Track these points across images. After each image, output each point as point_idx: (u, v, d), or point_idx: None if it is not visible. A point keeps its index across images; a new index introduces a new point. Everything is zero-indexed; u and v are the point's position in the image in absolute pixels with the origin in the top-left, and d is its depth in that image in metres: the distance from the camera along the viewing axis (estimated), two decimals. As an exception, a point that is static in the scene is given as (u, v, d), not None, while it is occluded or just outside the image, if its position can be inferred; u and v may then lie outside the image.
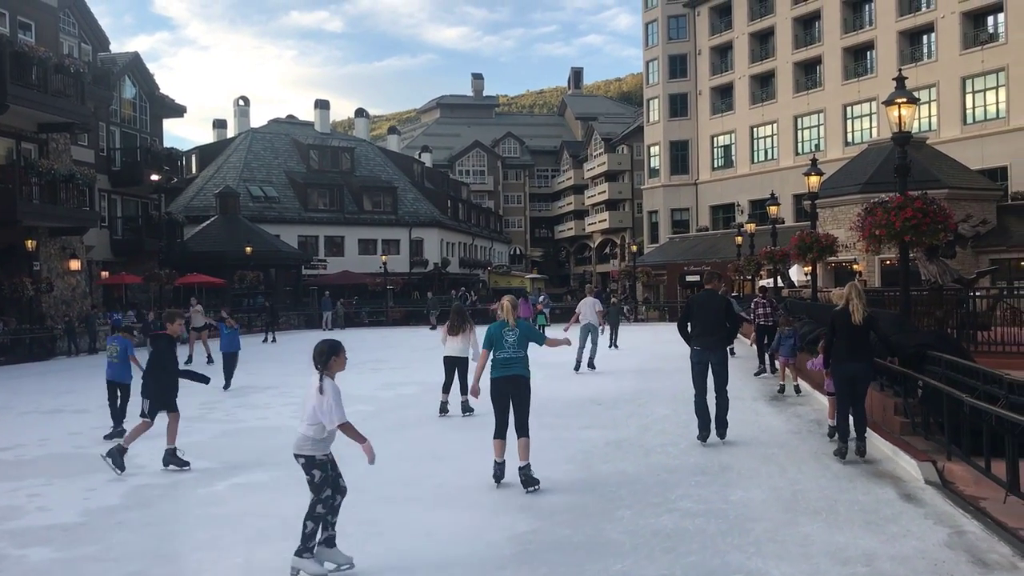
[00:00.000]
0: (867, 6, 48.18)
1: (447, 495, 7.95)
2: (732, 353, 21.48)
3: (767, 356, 17.02)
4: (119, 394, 11.45)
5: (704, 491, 7.82)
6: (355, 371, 20.41)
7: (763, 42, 55.21)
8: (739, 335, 23.84)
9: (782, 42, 53.07)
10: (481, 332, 9.10)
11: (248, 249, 41.85)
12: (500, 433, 8.17)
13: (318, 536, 5.76)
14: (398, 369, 20.68)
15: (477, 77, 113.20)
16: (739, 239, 39.27)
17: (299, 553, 5.71)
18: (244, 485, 8.58)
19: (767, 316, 17.07)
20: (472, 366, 11.29)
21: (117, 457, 9.05)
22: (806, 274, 25.26)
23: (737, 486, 7.99)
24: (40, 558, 6.37)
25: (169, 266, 38.69)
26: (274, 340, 32.55)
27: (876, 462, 8.89)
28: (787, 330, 14.49)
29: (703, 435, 10.05)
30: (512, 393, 8.05)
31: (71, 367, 24.13)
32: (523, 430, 8.09)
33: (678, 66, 60.77)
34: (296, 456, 5.93)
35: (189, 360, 21.55)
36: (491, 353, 8.25)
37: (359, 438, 6.05)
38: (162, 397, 9.41)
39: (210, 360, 21.33)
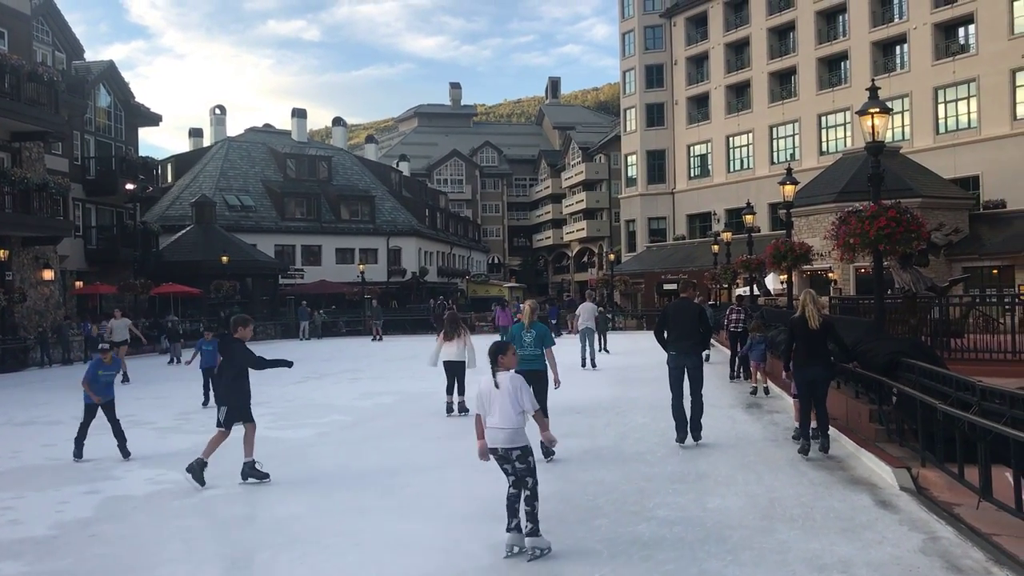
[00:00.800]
0: (841, 17, 48.71)
1: (425, 505, 7.92)
2: (707, 359, 21.98)
3: (736, 360, 17.88)
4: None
5: (682, 499, 7.84)
6: (332, 380, 20.37)
7: (739, 52, 55.67)
8: (716, 343, 24.06)
9: (757, 52, 53.54)
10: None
11: (224, 258, 41.58)
12: (543, 408, 9.57)
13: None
14: (376, 379, 20.61)
15: (455, 86, 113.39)
16: (716, 248, 39.48)
17: (532, 533, 6.27)
18: (219, 496, 8.51)
19: (738, 322, 17.86)
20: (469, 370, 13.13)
21: (197, 472, 8.75)
22: (782, 282, 25.42)
23: (714, 494, 8.02)
24: (11, 572, 6.28)
25: (144, 276, 38.32)
26: (178, 361, 27.02)
27: (851, 469, 8.97)
28: (758, 336, 15.19)
29: (680, 436, 10.41)
30: (531, 383, 8.55)
31: (44, 378, 23.84)
32: (546, 410, 9.43)
33: (655, 76, 61.15)
34: (510, 450, 6.31)
35: (125, 378, 19.42)
36: None
37: (544, 425, 6.76)
38: (241, 406, 9.09)
39: (126, 379, 19.47)
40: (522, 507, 6.31)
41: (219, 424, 9.01)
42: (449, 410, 13.68)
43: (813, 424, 9.65)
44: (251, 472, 8.99)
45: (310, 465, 10.02)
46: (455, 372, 13.70)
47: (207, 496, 8.49)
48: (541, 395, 9.68)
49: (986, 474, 6.92)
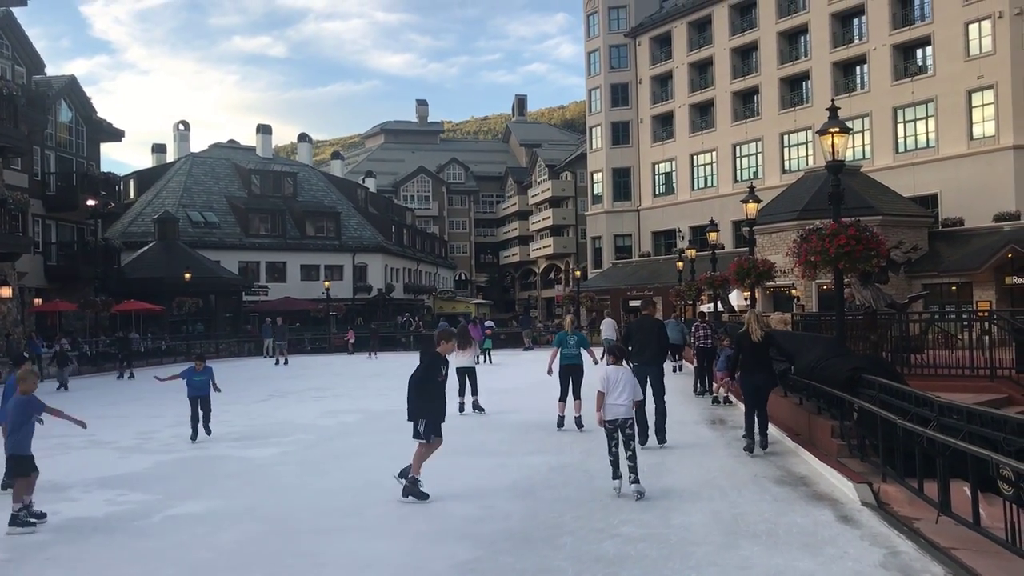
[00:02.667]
0: (803, 38, 49.53)
1: (389, 525, 7.86)
2: (679, 369, 22.64)
3: (705, 377, 18.21)
4: None
5: (646, 516, 7.85)
6: (296, 399, 20.18)
7: (702, 72, 56.37)
8: (684, 360, 24.22)
9: (721, 72, 54.25)
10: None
11: (187, 275, 41.15)
12: (563, 397, 13.42)
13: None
14: (341, 397, 20.45)
15: (421, 103, 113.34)
16: (680, 264, 39.82)
17: (637, 481, 8.53)
18: (179, 517, 8.37)
19: (707, 339, 18.04)
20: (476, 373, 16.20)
21: (415, 490, 8.63)
22: (746, 299, 25.68)
23: (679, 510, 8.04)
24: (-37, 597, 6.13)
25: (105, 293, 37.80)
26: (131, 376, 28.13)
27: (814, 484, 9.04)
28: (725, 348, 15.43)
29: (642, 439, 11.15)
30: (572, 375, 13.27)
31: None
32: (577, 395, 13.26)
33: (620, 95, 61.70)
34: (627, 420, 8.65)
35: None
36: (559, 350, 13.56)
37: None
38: (439, 419, 8.88)
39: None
40: (626, 464, 8.57)
41: (421, 436, 8.76)
42: (461, 409, 15.40)
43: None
44: (413, 490, 8.68)
45: (272, 485, 9.89)
46: (468, 376, 15.86)
47: (166, 517, 8.36)
48: (578, 382, 13.32)
49: (945, 489, 7.01)
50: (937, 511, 7.09)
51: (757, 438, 10.82)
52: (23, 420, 8.28)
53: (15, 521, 7.91)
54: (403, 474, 8.79)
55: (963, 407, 7.43)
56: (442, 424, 8.95)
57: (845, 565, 6.28)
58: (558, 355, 13.56)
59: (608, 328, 27.07)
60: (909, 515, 7.54)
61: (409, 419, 8.83)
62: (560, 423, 13.29)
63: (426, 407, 8.80)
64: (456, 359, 14.78)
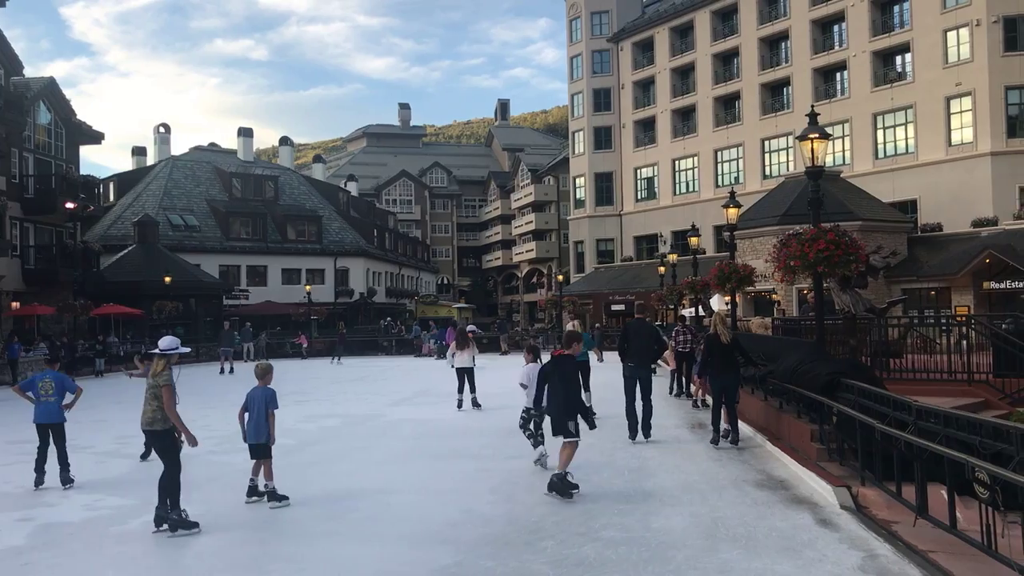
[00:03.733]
0: (784, 44, 49.83)
1: (369, 529, 7.84)
2: (655, 372, 22.87)
3: (682, 379, 18.90)
4: (51, 438, 10.24)
5: (627, 519, 7.87)
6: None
7: (684, 77, 56.59)
8: (662, 362, 24.30)
9: (702, 78, 54.48)
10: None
11: (167, 279, 40.87)
12: (584, 387, 13.82)
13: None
14: (321, 401, 20.37)
15: (404, 107, 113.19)
16: (662, 269, 39.89)
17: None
18: (159, 522, 8.31)
19: (686, 343, 18.32)
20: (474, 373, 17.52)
21: (562, 486, 8.79)
22: (727, 303, 25.78)
23: (659, 514, 8.07)
24: (-62, 604, 6.07)
25: (84, 296, 37.45)
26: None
27: (793, 488, 9.09)
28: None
29: (632, 435, 12.27)
30: (580, 371, 11.84)
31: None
32: (587, 388, 14.29)
33: (602, 99, 61.85)
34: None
35: None
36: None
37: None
38: (575, 414, 9.16)
39: None
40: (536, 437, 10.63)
41: (574, 435, 9.06)
42: (460, 405, 16.87)
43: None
44: (560, 484, 8.87)
45: (253, 489, 9.82)
46: (466, 375, 17.11)
47: (145, 522, 8.29)
48: (586, 376, 14.67)
49: (922, 492, 7.08)
50: (915, 514, 7.15)
51: (726, 432, 11.89)
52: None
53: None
54: (553, 486, 8.90)
55: (940, 411, 7.50)
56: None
57: (824, 568, 6.32)
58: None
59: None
60: (887, 518, 7.60)
61: (562, 419, 9.06)
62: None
63: (572, 407, 9.13)
64: (457, 359, 17.10)
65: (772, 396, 13.26)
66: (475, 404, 17.02)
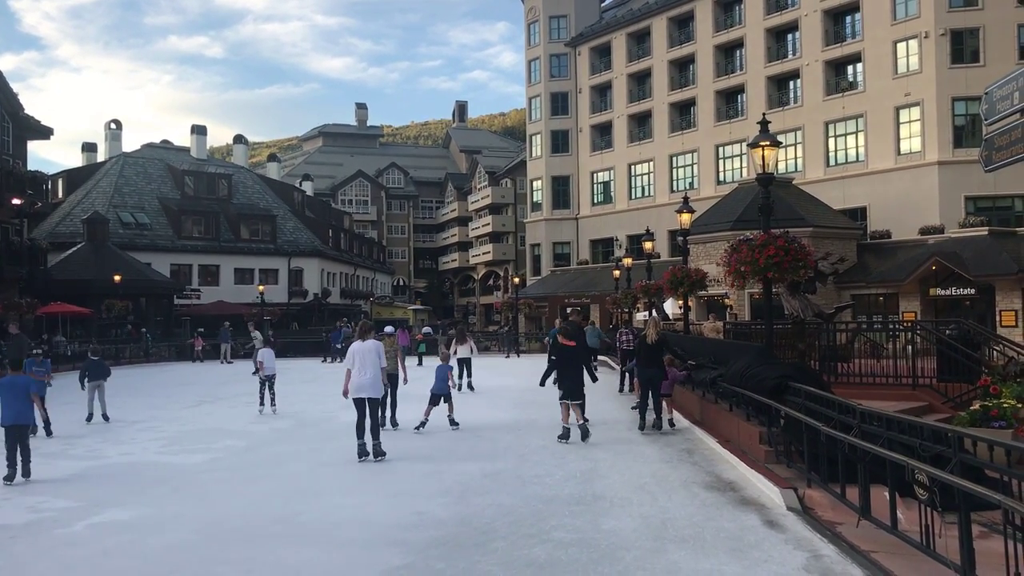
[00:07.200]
0: (738, 52, 50.48)
1: (318, 532, 7.79)
2: (595, 379, 23.36)
3: (626, 375, 19.99)
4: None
5: (578, 521, 7.92)
6: (227, 404, 19.85)
7: (641, 83, 57.05)
8: (610, 362, 24.48)
9: (659, 83, 54.96)
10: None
11: (116, 277, 40.20)
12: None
13: None
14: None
15: (361, 107, 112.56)
16: (617, 273, 40.18)
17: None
18: (104, 524, 8.19)
19: (630, 343, 19.92)
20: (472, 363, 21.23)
21: (587, 428, 12.60)
22: (680, 307, 26.03)
23: (609, 515, 8.13)
24: None
25: (31, 295, 36.65)
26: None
27: (742, 490, 9.22)
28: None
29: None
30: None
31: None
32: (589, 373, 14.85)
33: (560, 103, 62.11)
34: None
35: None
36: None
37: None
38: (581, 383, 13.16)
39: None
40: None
41: (583, 396, 13.09)
42: (459, 388, 18.88)
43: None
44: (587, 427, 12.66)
45: (201, 491, 9.72)
46: (465, 364, 20.84)
47: (91, 524, 8.16)
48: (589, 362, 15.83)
49: (866, 493, 7.22)
50: (858, 515, 7.29)
51: (652, 420, 13.51)
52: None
53: None
54: (586, 433, 12.48)
55: (883, 414, 7.66)
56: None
57: (770, 569, 6.42)
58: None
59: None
60: (832, 519, 7.74)
61: (579, 388, 13.03)
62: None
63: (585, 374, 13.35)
64: (459, 351, 20.83)
65: (722, 399, 13.42)
66: (470, 387, 20.67)
